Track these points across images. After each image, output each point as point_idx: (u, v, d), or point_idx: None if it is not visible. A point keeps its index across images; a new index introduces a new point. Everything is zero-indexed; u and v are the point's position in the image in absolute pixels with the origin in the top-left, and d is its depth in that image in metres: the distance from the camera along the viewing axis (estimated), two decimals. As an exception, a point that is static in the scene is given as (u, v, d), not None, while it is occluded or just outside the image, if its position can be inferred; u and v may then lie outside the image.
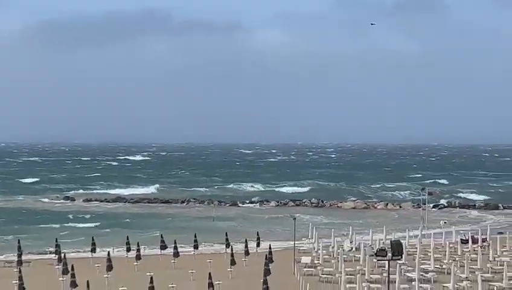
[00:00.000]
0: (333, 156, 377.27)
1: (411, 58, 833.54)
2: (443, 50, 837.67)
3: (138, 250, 64.92)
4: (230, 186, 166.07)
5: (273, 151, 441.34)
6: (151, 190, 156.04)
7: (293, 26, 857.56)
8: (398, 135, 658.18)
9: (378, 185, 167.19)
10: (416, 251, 65.56)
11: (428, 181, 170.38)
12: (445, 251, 64.87)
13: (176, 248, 66.00)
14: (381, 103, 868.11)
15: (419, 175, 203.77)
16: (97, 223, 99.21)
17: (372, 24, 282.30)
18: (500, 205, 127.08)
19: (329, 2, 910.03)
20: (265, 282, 46.75)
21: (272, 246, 63.93)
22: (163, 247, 68.27)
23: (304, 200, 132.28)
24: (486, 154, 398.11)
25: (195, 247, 69.35)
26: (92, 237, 68.35)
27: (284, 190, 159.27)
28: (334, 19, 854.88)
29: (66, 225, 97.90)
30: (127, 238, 68.48)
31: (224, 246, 69.45)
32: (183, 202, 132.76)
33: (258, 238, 71.16)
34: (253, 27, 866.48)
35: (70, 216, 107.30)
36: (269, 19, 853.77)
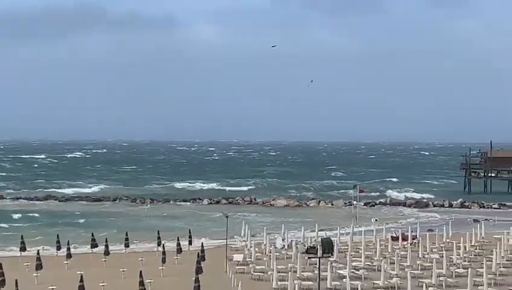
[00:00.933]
0: (273, 153, 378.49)
1: (351, 57, 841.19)
2: (379, 49, 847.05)
3: (68, 249, 64.15)
4: (168, 184, 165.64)
5: (211, 149, 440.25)
6: (86, 188, 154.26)
7: (232, 22, 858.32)
8: (332, 133, 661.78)
9: (312, 182, 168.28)
10: (347, 248, 66.12)
11: (369, 180, 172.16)
12: (376, 248, 65.51)
13: (107, 246, 65.40)
14: (313, 103, 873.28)
15: (359, 173, 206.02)
16: (27, 222, 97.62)
17: (273, 46, 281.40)
18: (430, 202, 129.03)
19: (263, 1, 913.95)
20: (197, 280, 46.56)
21: (204, 244, 63.88)
22: (94, 245, 67.55)
23: (236, 198, 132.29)
24: (416, 153, 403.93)
25: (127, 245, 68.78)
26: (21, 236, 67.38)
27: (223, 187, 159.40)
28: (272, 16, 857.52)
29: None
30: (57, 237, 67.54)
31: (156, 244, 69.01)
32: (114, 200, 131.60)
33: (190, 236, 70.88)
34: (190, 23, 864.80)
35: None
36: (207, 14, 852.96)
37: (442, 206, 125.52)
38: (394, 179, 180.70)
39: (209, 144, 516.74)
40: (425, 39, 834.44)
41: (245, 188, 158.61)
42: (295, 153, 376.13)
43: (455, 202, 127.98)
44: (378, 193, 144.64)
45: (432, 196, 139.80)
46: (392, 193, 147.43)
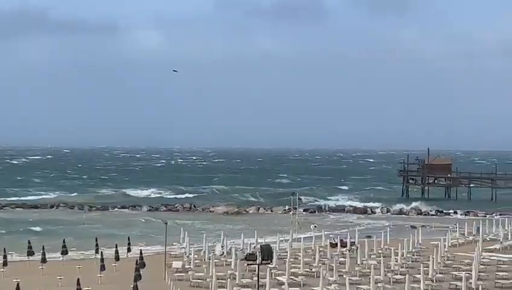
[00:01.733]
0: (216, 160, 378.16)
1: (290, 63, 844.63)
2: (321, 56, 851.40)
3: (5, 256, 63.18)
4: (107, 191, 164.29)
5: (156, 155, 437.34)
6: (25, 196, 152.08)
7: (172, 28, 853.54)
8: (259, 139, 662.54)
9: (256, 188, 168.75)
10: (286, 255, 66.27)
11: (303, 187, 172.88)
12: (315, 255, 65.80)
13: (43, 253, 64.56)
14: (257, 111, 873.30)
15: (288, 181, 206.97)
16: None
17: (174, 71, 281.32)
18: (369, 209, 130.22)
19: (209, 6, 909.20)
20: (135, 287, 46.25)
21: (143, 251, 63.46)
22: (31, 253, 66.60)
23: (176, 205, 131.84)
24: (357, 160, 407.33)
25: (64, 253, 67.93)
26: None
27: (163, 194, 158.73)
28: (214, 22, 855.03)
29: None
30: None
31: (94, 252, 68.31)
32: (52, 206, 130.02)
33: (129, 243, 70.42)
34: (130, 28, 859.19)
35: None
36: (148, 20, 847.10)
37: (381, 212, 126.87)
38: (334, 186, 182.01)
39: (154, 151, 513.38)
40: (366, 47, 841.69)
41: (185, 195, 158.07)
42: (238, 160, 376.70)
43: (393, 208, 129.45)
44: (318, 200, 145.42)
45: (371, 203, 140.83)
46: (332, 200, 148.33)
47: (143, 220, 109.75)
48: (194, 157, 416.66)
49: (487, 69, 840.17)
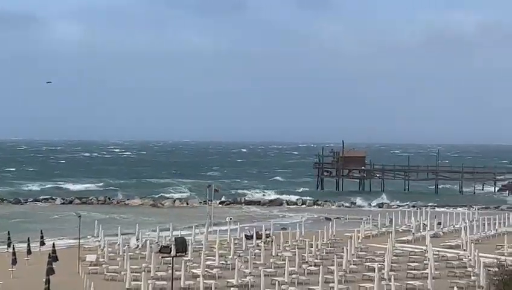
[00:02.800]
0: (136, 153, 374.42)
1: (216, 56, 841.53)
2: (243, 49, 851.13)
3: None
4: (19, 184, 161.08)
5: (78, 148, 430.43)
6: None
7: (94, 20, 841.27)
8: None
9: (167, 181, 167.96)
10: (202, 247, 66.17)
11: (224, 179, 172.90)
12: (230, 247, 65.85)
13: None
14: (180, 104, 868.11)
15: (212, 173, 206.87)
16: None
17: (48, 82, 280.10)
18: (284, 201, 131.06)
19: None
20: (47, 281, 45.51)
21: (56, 245, 62.49)
22: None
23: (90, 198, 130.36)
24: (275, 152, 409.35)
25: (-25, 247, 66.53)
26: None
27: (77, 187, 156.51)
28: (137, 15, 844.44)
29: None
30: None
31: (6, 246, 67.02)
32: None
33: (42, 237, 69.30)
34: (51, 21, 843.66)
35: None
36: (69, 13, 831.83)
37: (296, 204, 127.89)
38: (250, 179, 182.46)
39: (77, 144, 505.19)
40: (289, 41, 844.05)
41: (100, 188, 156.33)
42: (159, 152, 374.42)
43: (308, 200, 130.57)
44: (235, 192, 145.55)
45: (286, 195, 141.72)
46: (248, 192, 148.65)
47: (57, 213, 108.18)
48: (117, 150, 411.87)
49: (408, 63, 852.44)
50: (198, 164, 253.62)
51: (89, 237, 74.68)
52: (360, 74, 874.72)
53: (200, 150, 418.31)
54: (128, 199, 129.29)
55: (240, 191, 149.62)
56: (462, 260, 62.68)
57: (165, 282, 52.42)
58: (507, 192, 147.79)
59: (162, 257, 56.58)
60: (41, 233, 69.98)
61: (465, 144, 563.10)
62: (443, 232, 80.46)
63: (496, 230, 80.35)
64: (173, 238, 68.63)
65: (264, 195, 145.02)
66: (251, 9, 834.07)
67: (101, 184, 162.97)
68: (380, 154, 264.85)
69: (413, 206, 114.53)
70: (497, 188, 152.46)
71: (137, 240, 71.91)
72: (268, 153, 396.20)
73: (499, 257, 63.17)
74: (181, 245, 63.39)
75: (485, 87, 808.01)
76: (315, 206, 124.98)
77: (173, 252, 61.09)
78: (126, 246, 65.77)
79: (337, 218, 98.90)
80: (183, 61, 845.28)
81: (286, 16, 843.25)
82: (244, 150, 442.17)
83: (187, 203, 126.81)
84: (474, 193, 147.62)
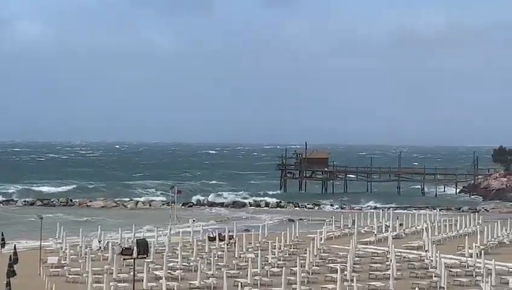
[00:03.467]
0: (92, 155, 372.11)
1: (178, 56, 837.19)
2: (205, 48, 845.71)
3: None
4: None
5: (28, 150, 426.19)
6: None
7: (55, 18, 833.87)
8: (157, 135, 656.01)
9: (131, 183, 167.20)
10: (164, 249, 65.95)
11: (187, 181, 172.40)
12: (193, 249, 65.73)
13: None
14: (145, 104, 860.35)
15: (178, 174, 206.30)
16: None
17: None
18: (247, 202, 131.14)
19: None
20: (8, 284, 45.13)
21: (17, 247, 61.95)
22: None
23: (52, 200, 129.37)
24: (240, 154, 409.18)
25: None
26: None
27: (38, 188, 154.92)
28: (99, 15, 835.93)
29: None
30: None
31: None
32: None
33: (3, 239, 68.67)
34: (11, 20, 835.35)
35: None
36: (30, 11, 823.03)
37: (259, 206, 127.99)
38: (215, 181, 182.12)
39: (26, 145, 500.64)
40: (253, 39, 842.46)
41: (62, 189, 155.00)
42: (118, 154, 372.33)
43: (272, 201, 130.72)
44: (199, 193, 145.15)
45: (250, 197, 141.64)
46: (212, 194, 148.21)
47: (18, 215, 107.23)
48: (83, 151, 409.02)
49: (372, 63, 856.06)
50: (165, 165, 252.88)
51: (50, 239, 74.06)
52: (322, 73, 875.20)
53: (166, 152, 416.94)
54: (90, 201, 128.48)
55: (204, 192, 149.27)
56: (423, 261, 63.14)
57: (127, 284, 52.18)
58: (468, 194, 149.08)
59: (124, 259, 56.25)
60: (2, 235, 69.37)
61: (434, 146, 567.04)
62: (405, 234, 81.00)
63: (457, 231, 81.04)
64: (135, 240, 68.36)
65: (228, 196, 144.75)
66: (214, 9, 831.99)
67: (64, 186, 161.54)
68: (346, 156, 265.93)
69: (376, 208, 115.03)
70: (458, 190, 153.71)
71: (99, 241, 71.47)
72: (234, 155, 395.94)
73: (459, 257, 63.79)
74: (143, 247, 63.18)
75: (454, 87, 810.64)
76: (278, 208, 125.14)
77: (135, 254, 60.87)
78: (88, 248, 65.36)
79: (300, 219, 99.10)
80: (146, 61, 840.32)
81: (248, 15, 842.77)
82: (212, 151, 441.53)
83: (150, 205, 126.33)
84: (436, 194, 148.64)
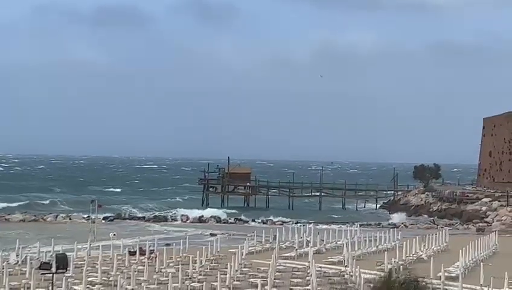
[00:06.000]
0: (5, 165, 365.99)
1: (103, 73, 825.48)
2: (144, 64, 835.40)
3: None
4: None
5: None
6: None
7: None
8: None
9: (50, 195, 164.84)
10: (84, 263, 65.09)
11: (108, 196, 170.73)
12: (113, 263, 65.03)
13: None
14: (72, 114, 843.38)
15: (100, 188, 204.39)
16: None
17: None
18: (169, 216, 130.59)
19: (26, 10, 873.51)
20: None
21: None
22: None
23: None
24: (160, 168, 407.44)
25: None
26: None
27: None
28: (27, 28, 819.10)
29: None
30: None
31: None
32: None
33: None
34: None
35: None
36: None
37: (181, 220, 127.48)
38: (136, 194, 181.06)
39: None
40: (181, 57, 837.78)
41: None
42: (44, 167, 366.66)
43: (193, 216, 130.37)
44: (121, 207, 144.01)
45: (171, 211, 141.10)
46: (132, 208, 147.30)
47: None
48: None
49: (298, 81, 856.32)
50: (86, 179, 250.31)
51: (-34, 253, 72.39)
52: (253, 91, 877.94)
53: (89, 165, 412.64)
54: (8, 214, 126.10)
55: (126, 206, 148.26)
56: (343, 276, 63.66)
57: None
58: (388, 210, 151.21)
59: (42, 274, 55.26)
60: None
61: (362, 161, 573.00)
62: (326, 249, 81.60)
63: (377, 247, 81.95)
64: (54, 254, 67.29)
65: (149, 210, 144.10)
66: (148, 23, 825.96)
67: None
68: (268, 171, 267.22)
69: (297, 223, 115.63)
70: (378, 205, 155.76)
71: (17, 256, 70.13)
72: (158, 169, 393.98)
73: (379, 273, 64.48)
74: (62, 261, 62.06)
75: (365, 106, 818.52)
76: (200, 223, 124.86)
77: (54, 269, 59.86)
78: (5, 262, 64.06)
79: (222, 234, 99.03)
80: (76, 76, 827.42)
81: (181, 34, 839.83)
82: (137, 165, 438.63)
83: (70, 219, 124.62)
84: (357, 209, 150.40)
